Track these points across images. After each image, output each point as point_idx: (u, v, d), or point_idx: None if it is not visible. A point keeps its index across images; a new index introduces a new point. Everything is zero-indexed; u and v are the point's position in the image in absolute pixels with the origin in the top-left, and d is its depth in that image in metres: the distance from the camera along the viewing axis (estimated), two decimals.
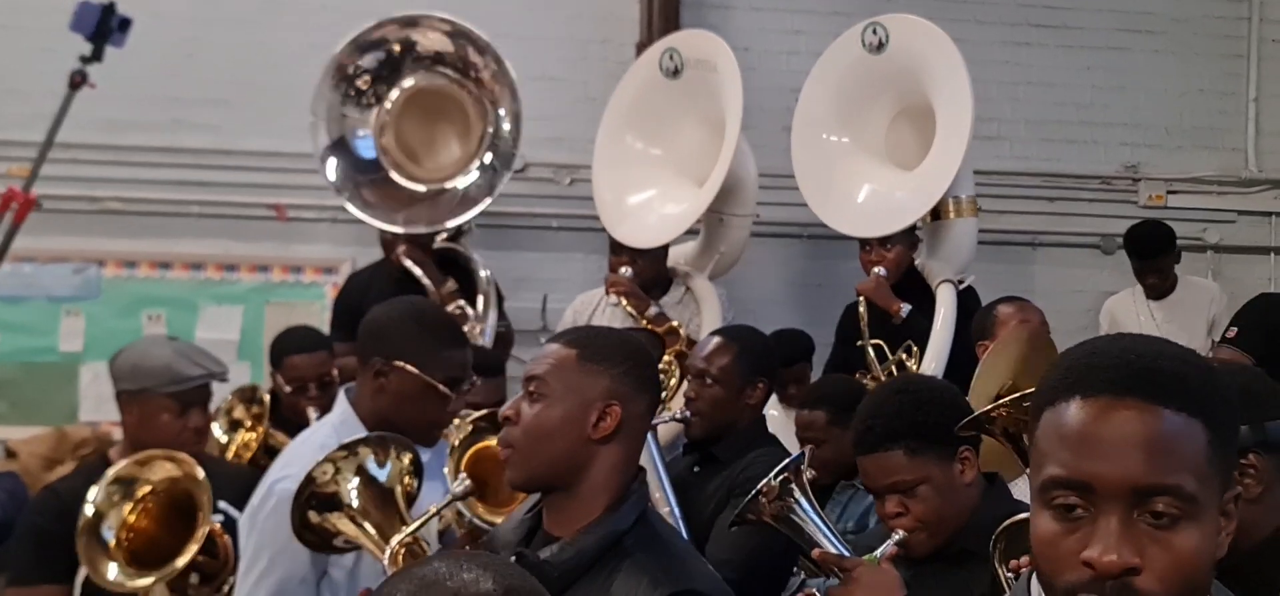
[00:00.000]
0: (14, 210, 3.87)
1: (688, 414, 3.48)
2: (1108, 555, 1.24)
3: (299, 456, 2.75)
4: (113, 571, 2.97)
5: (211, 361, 3.43)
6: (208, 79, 5.55)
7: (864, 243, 4.73)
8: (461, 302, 4.77)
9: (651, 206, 4.93)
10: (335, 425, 2.83)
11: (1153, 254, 5.49)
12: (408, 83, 5.05)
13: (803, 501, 2.77)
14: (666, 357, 4.43)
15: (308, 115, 5.12)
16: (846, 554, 2.62)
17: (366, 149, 4.99)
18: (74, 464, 5.12)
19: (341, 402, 2.88)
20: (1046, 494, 1.30)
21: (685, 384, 3.66)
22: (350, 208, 4.93)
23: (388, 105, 5.02)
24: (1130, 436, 1.26)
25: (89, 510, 3.02)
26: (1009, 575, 2.27)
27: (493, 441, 3.08)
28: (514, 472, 2.17)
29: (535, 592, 1.27)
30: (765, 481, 2.81)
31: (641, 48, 5.65)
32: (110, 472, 3.06)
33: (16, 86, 5.37)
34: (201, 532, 2.97)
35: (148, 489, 3.09)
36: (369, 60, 4.98)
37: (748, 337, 3.66)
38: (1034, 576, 1.41)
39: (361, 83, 4.98)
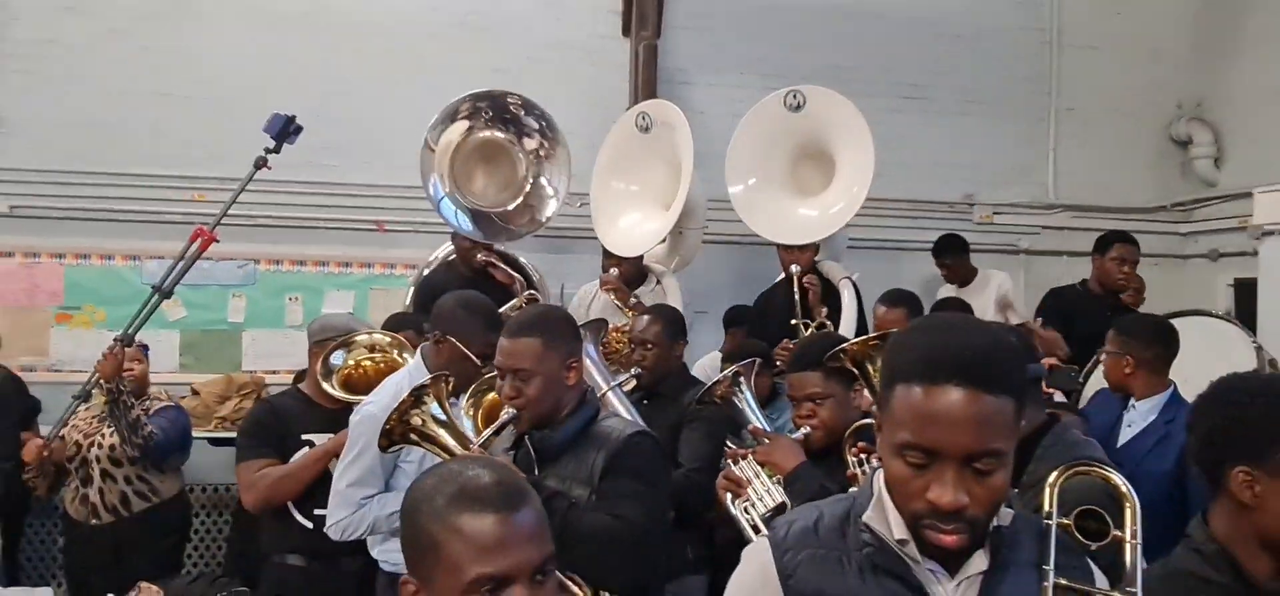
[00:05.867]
0: (200, 242, 3.97)
1: (638, 371, 3.53)
2: (945, 497, 1.28)
3: (381, 392, 2.94)
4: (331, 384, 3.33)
5: (369, 327, 3.67)
6: (331, 133, 5.50)
7: (787, 246, 4.70)
8: (532, 292, 4.79)
9: (633, 226, 4.92)
10: (410, 371, 2.96)
11: (945, 252, 5.67)
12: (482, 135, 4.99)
13: (746, 392, 2.97)
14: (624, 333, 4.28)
15: (400, 159, 5.17)
16: (768, 429, 2.78)
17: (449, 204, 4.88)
18: (238, 399, 5.31)
19: (417, 357, 3.03)
20: (902, 450, 1.32)
21: (634, 350, 3.70)
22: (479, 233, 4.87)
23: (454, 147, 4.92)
24: (963, 417, 1.27)
25: (339, 358, 3.35)
26: (854, 458, 2.38)
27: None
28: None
29: (516, 479, 1.37)
30: (723, 374, 3.02)
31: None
32: (376, 337, 3.45)
33: (197, 137, 5.52)
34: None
35: (371, 358, 3.39)
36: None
37: (669, 313, 3.74)
38: (879, 474, 1.43)
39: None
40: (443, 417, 2.43)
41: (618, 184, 5.04)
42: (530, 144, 5.05)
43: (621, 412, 2.88)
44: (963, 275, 5.66)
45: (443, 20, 5.80)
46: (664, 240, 4.99)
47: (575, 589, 1.92)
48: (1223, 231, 6.16)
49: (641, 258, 4.91)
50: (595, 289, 4.89)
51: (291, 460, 3.25)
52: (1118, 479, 1.59)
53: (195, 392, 5.26)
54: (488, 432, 2.40)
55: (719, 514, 2.70)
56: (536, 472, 2.31)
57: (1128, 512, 1.52)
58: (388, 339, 3.49)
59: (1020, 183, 6.48)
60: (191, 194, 5.41)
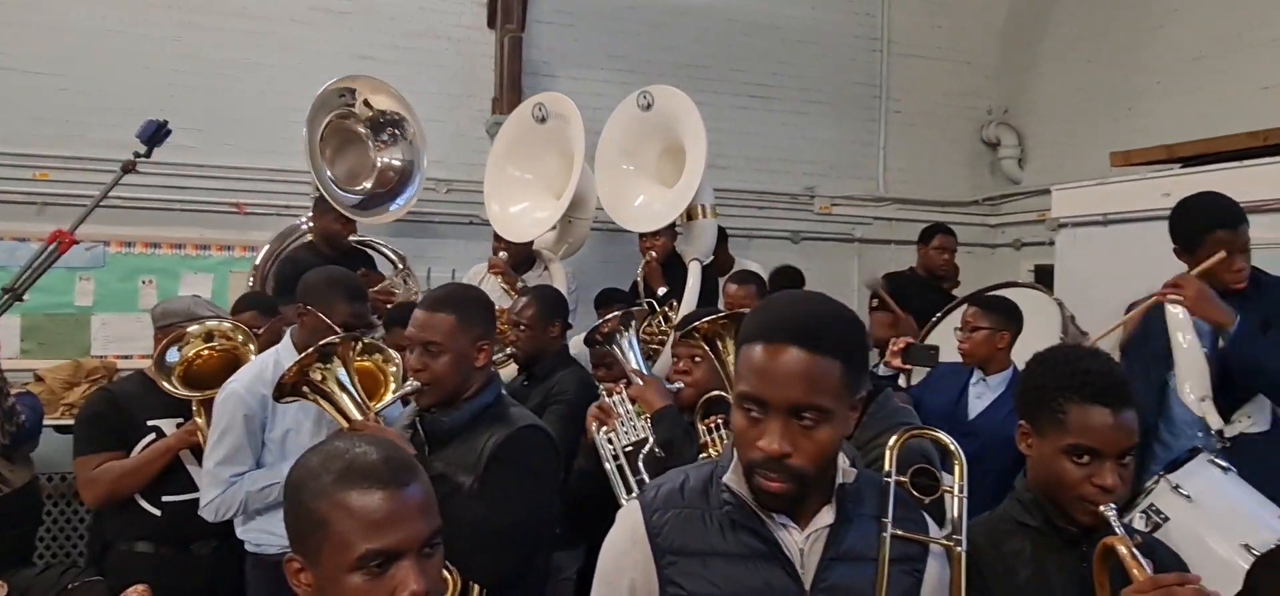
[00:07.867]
0: (57, 245, 3.57)
1: (512, 350, 3.47)
2: (771, 445, 1.33)
3: (246, 370, 2.84)
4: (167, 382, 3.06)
5: (214, 309, 3.46)
6: (187, 112, 5.18)
7: (641, 234, 4.69)
8: (404, 267, 4.76)
9: (524, 213, 4.81)
10: (277, 352, 2.84)
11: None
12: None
13: (631, 337, 2.98)
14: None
15: (261, 141, 5.09)
16: (645, 371, 2.83)
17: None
18: (87, 385, 4.95)
19: (286, 337, 2.91)
20: (741, 402, 1.37)
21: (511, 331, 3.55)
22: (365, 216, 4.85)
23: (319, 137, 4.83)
24: (791, 373, 1.32)
25: (174, 355, 3.07)
26: (705, 428, 2.49)
27: (367, 361, 2.97)
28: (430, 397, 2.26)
29: (404, 455, 1.32)
30: (612, 315, 3.00)
31: (495, 102, 5.73)
32: (210, 325, 3.14)
33: (41, 114, 5.04)
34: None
35: (210, 346, 3.13)
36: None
37: (546, 294, 3.62)
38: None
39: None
40: (346, 382, 2.32)
41: (514, 171, 4.93)
42: (382, 139, 5.07)
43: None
44: (723, 263, 5.31)
45: (305, 4, 5.53)
46: (554, 227, 4.91)
47: (447, 575, 1.84)
48: (1025, 223, 6.61)
49: (531, 243, 4.84)
50: (483, 271, 4.78)
51: (136, 451, 3.06)
52: (947, 439, 1.68)
53: (39, 379, 4.83)
54: (388, 400, 2.31)
55: (585, 441, 2.71)
56: (426, 453, 2.22)
57: (956, 469, 1.62)
58: (230, 325, 3.27)
59: (854, 177, 6.72)
60: (33, 172, 4.98)
